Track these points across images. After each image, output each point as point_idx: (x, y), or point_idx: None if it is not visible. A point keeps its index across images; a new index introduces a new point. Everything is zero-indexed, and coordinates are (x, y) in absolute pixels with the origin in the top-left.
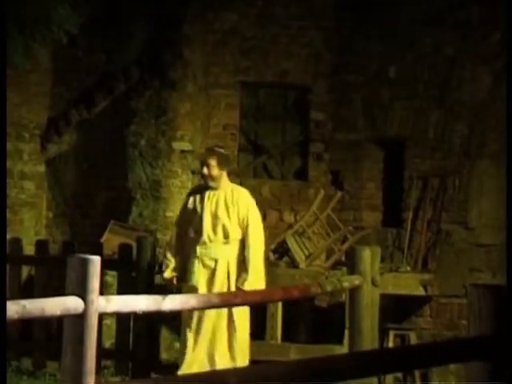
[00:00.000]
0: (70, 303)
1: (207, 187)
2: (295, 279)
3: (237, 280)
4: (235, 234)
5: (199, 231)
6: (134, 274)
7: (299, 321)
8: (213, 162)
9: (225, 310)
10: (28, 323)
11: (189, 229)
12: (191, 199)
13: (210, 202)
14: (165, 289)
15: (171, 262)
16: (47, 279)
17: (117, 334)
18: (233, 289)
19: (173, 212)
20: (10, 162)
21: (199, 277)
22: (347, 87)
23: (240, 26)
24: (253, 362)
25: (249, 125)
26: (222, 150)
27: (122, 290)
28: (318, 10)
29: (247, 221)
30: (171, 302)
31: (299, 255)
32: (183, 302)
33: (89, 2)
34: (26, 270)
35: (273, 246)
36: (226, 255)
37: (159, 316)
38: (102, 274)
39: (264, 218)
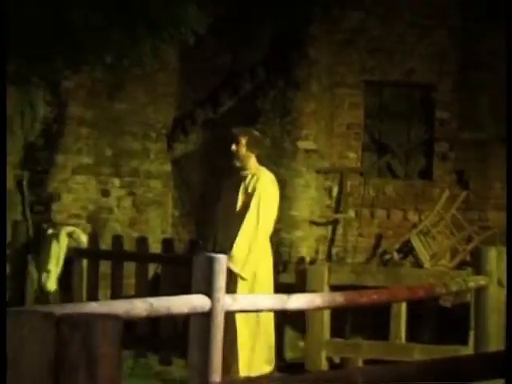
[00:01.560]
0: (197, 301)
1: (237, 169)
2: (420, 279)
3: None
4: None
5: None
6: None
7: (423, 321)
8: (243, 141)
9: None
10: (155, 320)
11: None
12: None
13: (233, 184)
14: (290, 288)
15: None
16: (173, 277)
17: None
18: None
19: (298, 211)
20: (137, 161)
21: None
22: (473, 85)
23: (367, 25)
24: (377, 361)
25: (373, 124)
26: (256, 132)
27: None
28: (444, 8)
29: (251, 200)
30: (296, 301)
31: (424, 255)
32: (308, 301)
33: (216, 3)
34: (152, 268)
35: (397, 246)
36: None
37: (283, 315)
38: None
39: (388, 217)
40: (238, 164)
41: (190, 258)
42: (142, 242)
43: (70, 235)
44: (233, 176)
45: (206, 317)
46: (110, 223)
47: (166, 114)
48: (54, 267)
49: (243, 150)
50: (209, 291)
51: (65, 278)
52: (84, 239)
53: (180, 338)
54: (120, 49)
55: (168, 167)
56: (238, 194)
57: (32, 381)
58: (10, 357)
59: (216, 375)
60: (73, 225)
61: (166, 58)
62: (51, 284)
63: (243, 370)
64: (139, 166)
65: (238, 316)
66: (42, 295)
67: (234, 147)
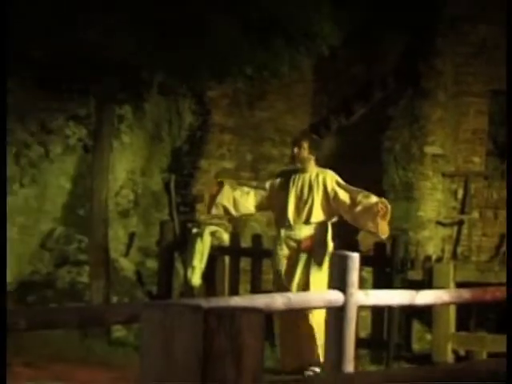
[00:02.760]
0: (332, 296)
1: (294, 171)
2: None
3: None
4: (318, 216)
5: (283, 213)
6: (388, 269)
7: None
8: (305, 145)
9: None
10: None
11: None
12: (277, 181)
13: (295, 185)
14: (417, 284)
15: None
16: None
17: (372, 325)
18: (312, 271)
19: (425, 212)
20: (274, 166)
21: (281, 257)
22: None
23: (492, 37)
24: (501, 354)
25: (496, 130)
26: (316, 137)
27: (377, 285)
28: None
29: (337, 189)
30: (424, 297)
31: None
32: (436, 296)
33: (350, 18)
34: None
35: None
36: (308, 237)
37: (412, 309)
38: (359, 270)
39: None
40: (299, 166)
41: None
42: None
43: (213, 234)
44: (283, 177)
45: (340, 311)
46: (250, 223)
47: (302, 121)
48: (199, 263)
49: (305, 153)
50: (343, 287)
51: (208, 274)
52: (226, 238)
53: None
54: (260, 61)
55: None
56: (297, 193)
57: (183, 369)
58: (159, 349)
59: (349, 365)
60: (216, 224)
61: (302, 69)
62: (196, 279)
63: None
64: (277, 169)
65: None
66: (188, 289)
67: (296, 150)
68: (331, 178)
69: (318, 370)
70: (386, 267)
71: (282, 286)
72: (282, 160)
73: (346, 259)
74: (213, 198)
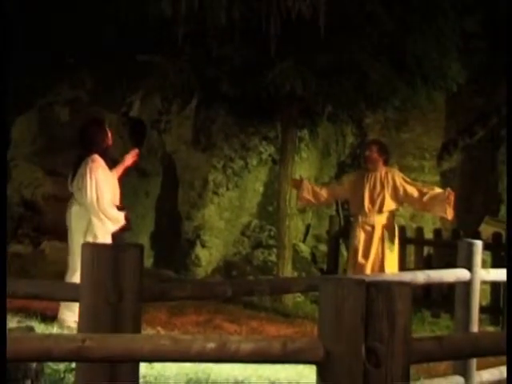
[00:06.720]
0: (461, 273)
1: (366, 169)
2: None
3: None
4: (389, 206)
5: (361, 203)
6: (502, 253)
7: None
8: (374, 148)
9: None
10: (428, 286)
11: (350, 199)
12: (353, 178)
13: (369, 182)
14: None
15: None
16: (441, 256)
17: (491, 296)
18: (385, 250)
19: None
20: (415, 174)
21: (360, 239)
22: None
23: None
24: None
25: None
26: (384, 142)
27: (495, 265)
28: None
29: (404, 184)
30: None
31: None
32: None
33: (473, 60)
34: (426, 250)
35: None
36: (381, 222)
37: None
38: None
39: None
40: (370, 166)
41: (454, 243)
42: (419, 231)
43: None
44: (358, 175)
45: (467, 285)
46: (396, 218)
47: (435, 140)
48: None
49: (375, 155)
50: (469, 266)
51: None
52: None
53: (446, 299)
54: (404, 96)
55: (437, 178)
56: (370, 188)
57: (350, 327)
58: (332, 311)
59: (474, 326)
60: None
61: (436, 101)
62: None
63: None
64: (417, 177)
65: None
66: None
67: (367, 153)
68: (398, 176)
69: None
70: (501, 252)
71: (358, 262)
72: (422, 169)
73: (471, 245)
74: (296, 193)
